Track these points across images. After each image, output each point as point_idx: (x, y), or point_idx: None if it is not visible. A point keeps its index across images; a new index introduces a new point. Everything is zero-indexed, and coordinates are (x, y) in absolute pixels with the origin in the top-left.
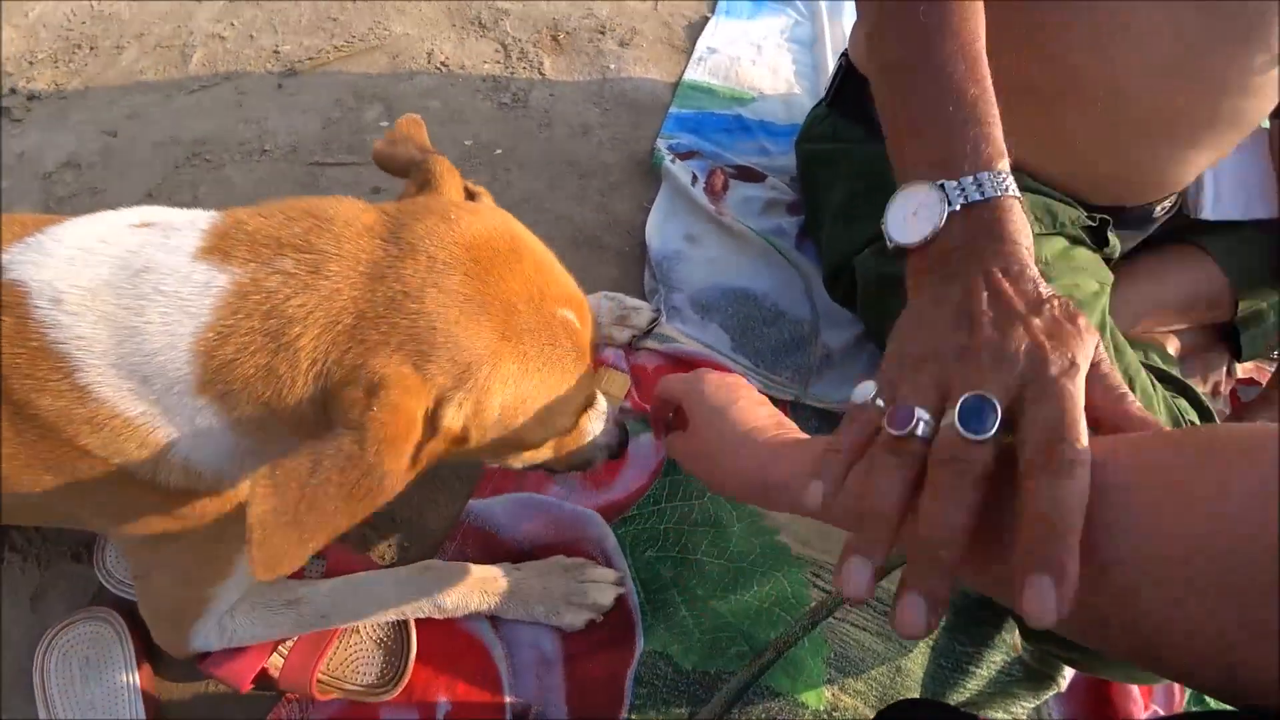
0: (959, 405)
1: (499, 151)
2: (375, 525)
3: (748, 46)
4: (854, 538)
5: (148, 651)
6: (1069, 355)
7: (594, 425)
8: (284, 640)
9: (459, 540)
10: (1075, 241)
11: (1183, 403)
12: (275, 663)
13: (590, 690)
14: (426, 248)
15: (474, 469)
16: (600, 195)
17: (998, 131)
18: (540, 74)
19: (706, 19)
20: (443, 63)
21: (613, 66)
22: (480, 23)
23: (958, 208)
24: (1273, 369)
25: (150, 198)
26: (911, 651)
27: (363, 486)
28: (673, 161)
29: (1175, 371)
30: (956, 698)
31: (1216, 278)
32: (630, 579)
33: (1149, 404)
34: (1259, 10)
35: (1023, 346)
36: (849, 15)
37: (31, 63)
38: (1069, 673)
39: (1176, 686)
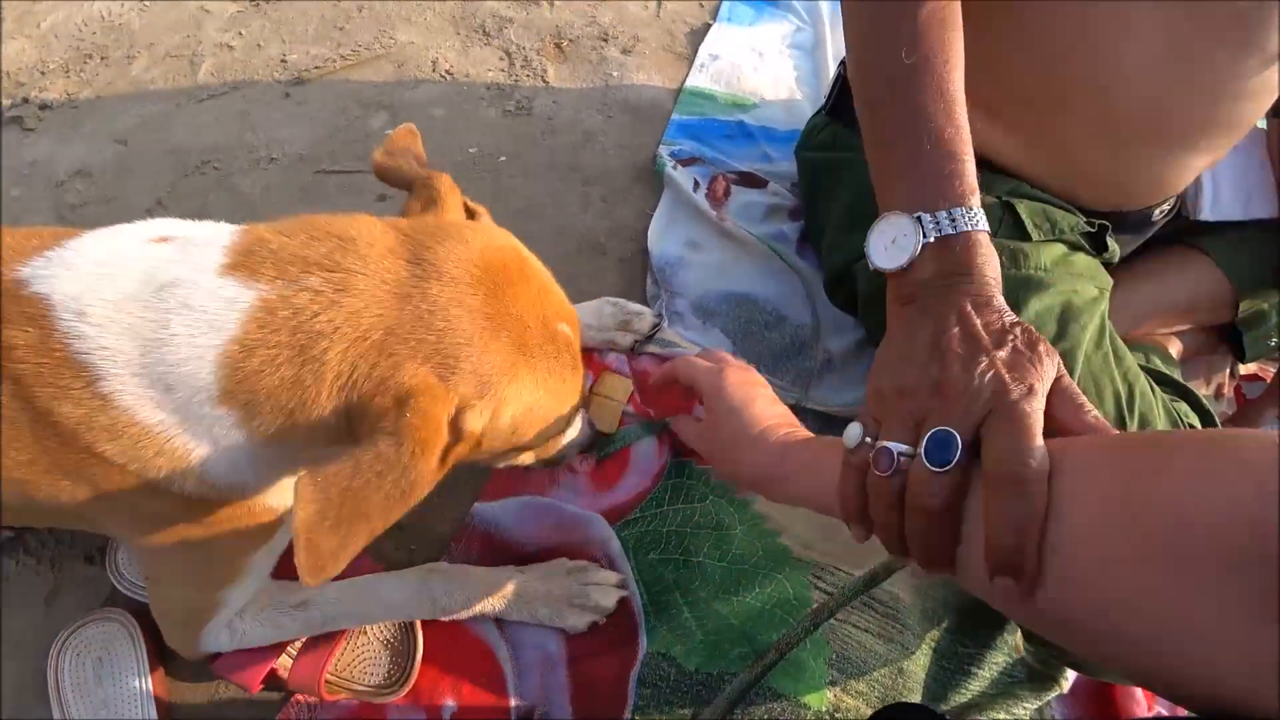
0: (925, 439)
1: (503, 159)
2: None
3: (749, 53)
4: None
5: (159, 652)
6: (1027, 383)
7: (574, 426)
8: (293, 641)
9: (464, 543)
10: (1074, 247)
11: (1183, 406)
12: (284, 663)
13: (594, 691)
14: (449, 269)
15: (480, 473)
16: (603, 201)
17: (971, 168)
18: (544, 81)
19: (709, 25)
20: (447, 71)
21: (615, 74)
22: (484, 31)
23: (932, 239)
24: (1275, 368)
25: (160, 206)
26: (914, 653)
27: (399, 487)
28: (675, 168)
29: (1176, 374)
30: (959, 699)
31: (1217, 279)
32: (633, 581)
33: (1149, 408)
34: (1254, 14)
35: (987, 379)
36: None
37: (44, 73)
38: (1072, 674)
39: None
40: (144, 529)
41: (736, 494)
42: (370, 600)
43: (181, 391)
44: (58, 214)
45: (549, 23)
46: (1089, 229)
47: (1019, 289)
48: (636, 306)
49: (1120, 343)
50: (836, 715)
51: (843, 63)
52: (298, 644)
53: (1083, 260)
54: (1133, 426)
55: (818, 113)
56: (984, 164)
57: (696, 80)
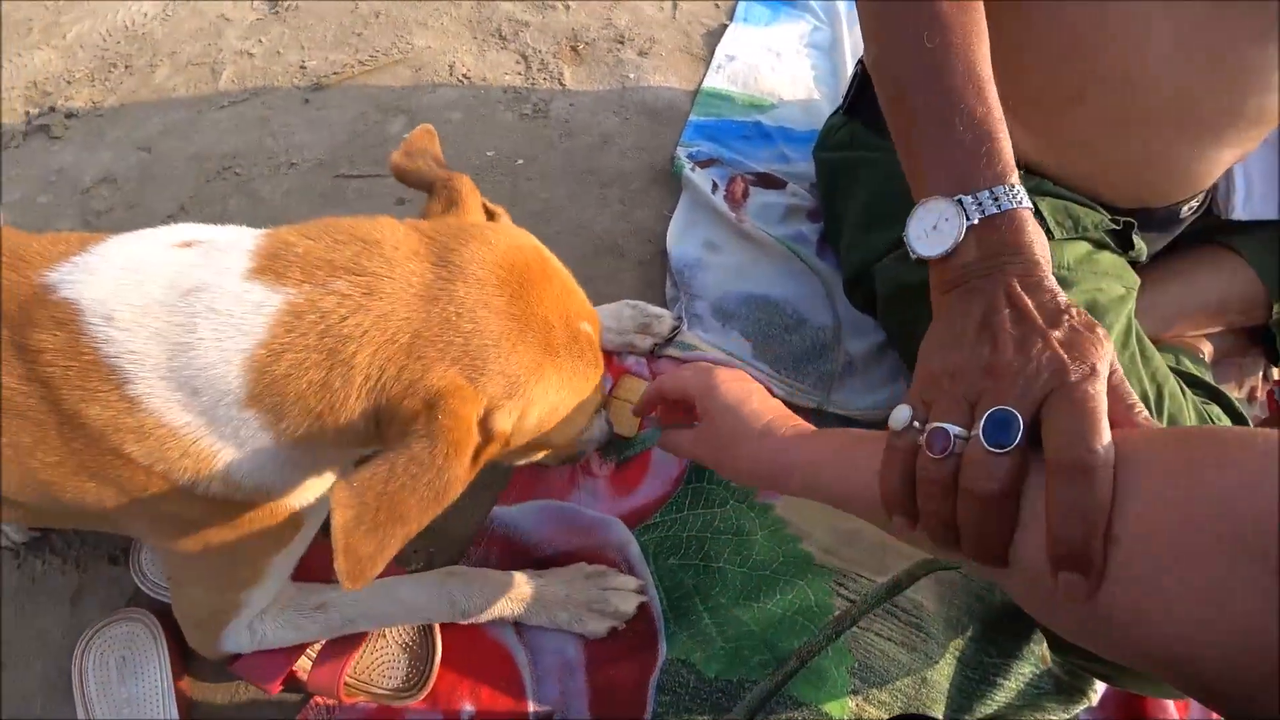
0: (983, 419)
1: (520, 162)
2: None
3: (766, 53)
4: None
5: (181, 652)
6: (1088, 363)
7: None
8: (312, 643)
9: (484, 546)
10: (1098, 245)
11: (1215, 409)
12: (304, 665)
13: (613, 697)
14: (474, 271)
15: (499, 476)
16: (621, 204)
17: (1008, 146)
18: (560, 84)
19: (725, 26)
20: (464, 75)
21: (632, 76)
22: (500, 35)
23: (975, 221)
24: None
25: (183, 211)
26: (938, 662)
27: (433, 489)
28: (693, 170)
29: (1207, 377)
30: (984, 710)
31: (1250, 279)
32: (653, 586)
33: (1179, 410)
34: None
35: (1045, 358)
36: None
37: (69, 82)
38: (1101, 686)
39: None
40: (168, 531)
41: (757, 498)
42: (389, 602)
43: (208, 395)
44: (84, 220)
45: (565, 26)
46: (1114, 226)
47: None
48: (656, 309)
49: (1148, 343)
50: None
51: (860, 61)
52: (317, 646)
53: (1108, 258)
54: None
55: (835, 112)
56: None
57: (713, 81)
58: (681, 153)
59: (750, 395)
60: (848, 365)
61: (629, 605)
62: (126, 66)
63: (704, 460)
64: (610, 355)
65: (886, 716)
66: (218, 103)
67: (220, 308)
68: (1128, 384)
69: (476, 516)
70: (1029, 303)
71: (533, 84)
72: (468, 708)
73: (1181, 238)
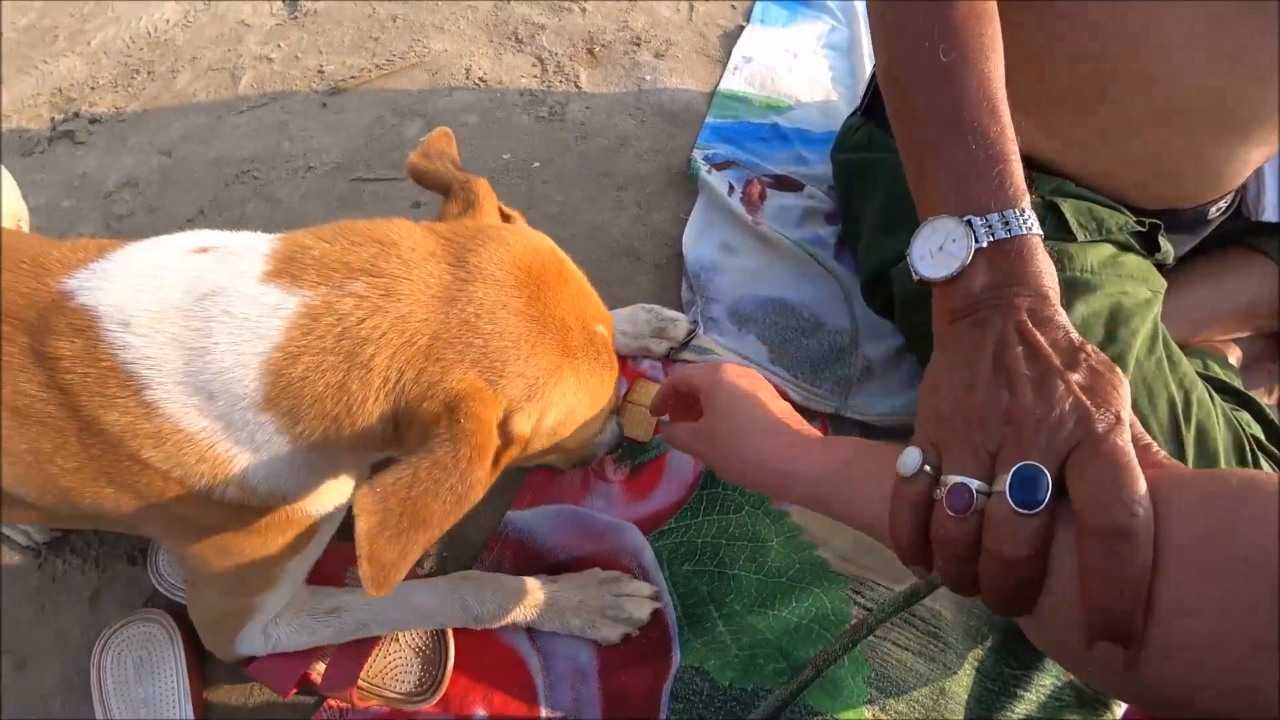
0: (1010, 476)
1: (536, 164)
2: None
3: (784, 54)
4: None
5: (197, 653)
6: (1113, 410)
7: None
8: (326, 647)
9: (497, 551)
10: (1123, 248)
11: (1245, 415)
12: (318, 668)
13: (626, 704)
14: (493, 272)
15: (513, 481)
16: (637, 207)
17: (1019, 169)
18: (576, 87)
19: (742, 27)
20: (481, 78)
21: (648, 78)
22: (517, 38)
23: (985, 244)
24: None
25: (202, 215)
26: (956, 672)
27: (455, 493)
28: (709, 172)
29: (1236, 382)
30: None
31: None
32: (667, 593)
33: (1206, 416)
34: None
35: (1067, 406)
36: None
37: (93, 88)
38: None
39: None
40: (184, 535)
41: (773, 504)
42: (402, 607)
43: (224, 399)
44: (106, 224)
45: (581, 28)
46: (1139, 228)
47: (1065, 292)
48: (672, 313)
49: (1175, 348)
50: None
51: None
52: (331, 649)
53: (1133, 261)
54: (1189, 436)
55: (853, 114)
56: (1024, 162)
57: (730, 83)
58: (698, 155)
59: (756, 392)
60: (865, 369)
61: (643, 611)
62: (149, 72)
63: (702, 456)
64: (625, 359)
65: None
66: (237, 107)
67: (236, 311)
68: (1138, 423)
69: (490, 521)
70: (1041, 339)
71: (549, 87)
72: (480, 713)
73: (1210, 240)
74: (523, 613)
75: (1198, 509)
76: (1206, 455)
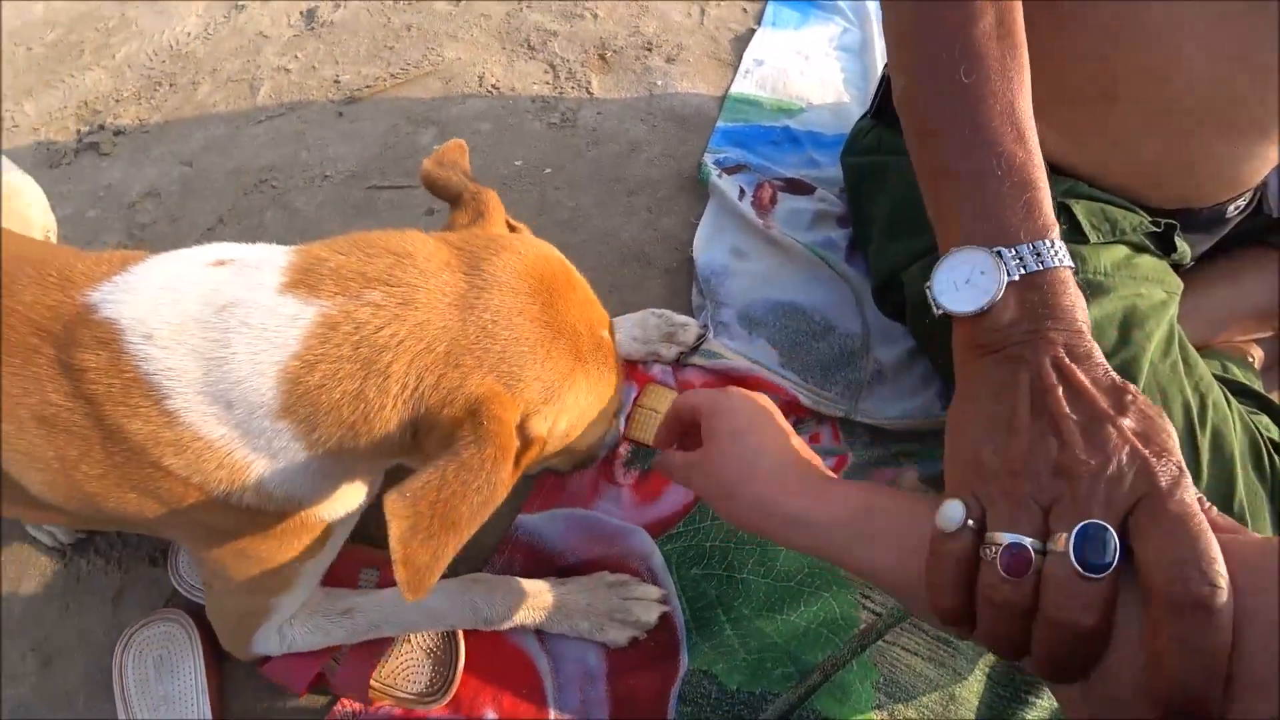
0: (1071, 535)
1: (548, 171)
2: None
3: (795, 57)
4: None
5: (215, 653)
6: (1174, 462)
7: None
8: (340, 647)
9: (507, 554)
10: (1138, 249)
11: (1264, 419)
12: (331, 668)
13: (634, 707)
14: (507, 280)
15: (522, 483)
16: (648, 212)
17: (1048, 198)
18: (588, 93)
19: (753, 31)
20: (493, 86)
21: (660, 83)
22: (529, 45)
23: (1016, 277)
24: None
25: (222, 223)
26: (966, 679)
27: (482, 494)
28: (720, 176)
29: (1257, 385)
30: None
31: None
32: (675, 596)
33: (1222, 421)
34: None
35: (1124, 457)
36: None
37: (118, 100)
38: None
39: None
40: (203, 539)
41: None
42: (413, 609)
43: (242, 407)
44: (129, 233)
45: (593, 34)
46: (1154, 229)
47: None
48: (681, 318)
49: (1192, 350)
50: None
51: (888, 64)
52: (344, 650)
53: (1148, 262)
54: (1204, 441)
55: (863, 116)
56: None
57: (741, 86)
58: (708, 159)
59: (763, 424)
60: (876, 373)
61: (650, 615)
62: (171, 85)
63: (698, 491)
64: (636, 364)
65: None
66: (256, 118)
67: (254, 322)
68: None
69: (500, 524)
70: (1083, 378)
71: (561, 93)
72: (490, 714)
73: (1229, 238)
74: (531, 615)
75: (1270, 573)
76: (1221, 461)
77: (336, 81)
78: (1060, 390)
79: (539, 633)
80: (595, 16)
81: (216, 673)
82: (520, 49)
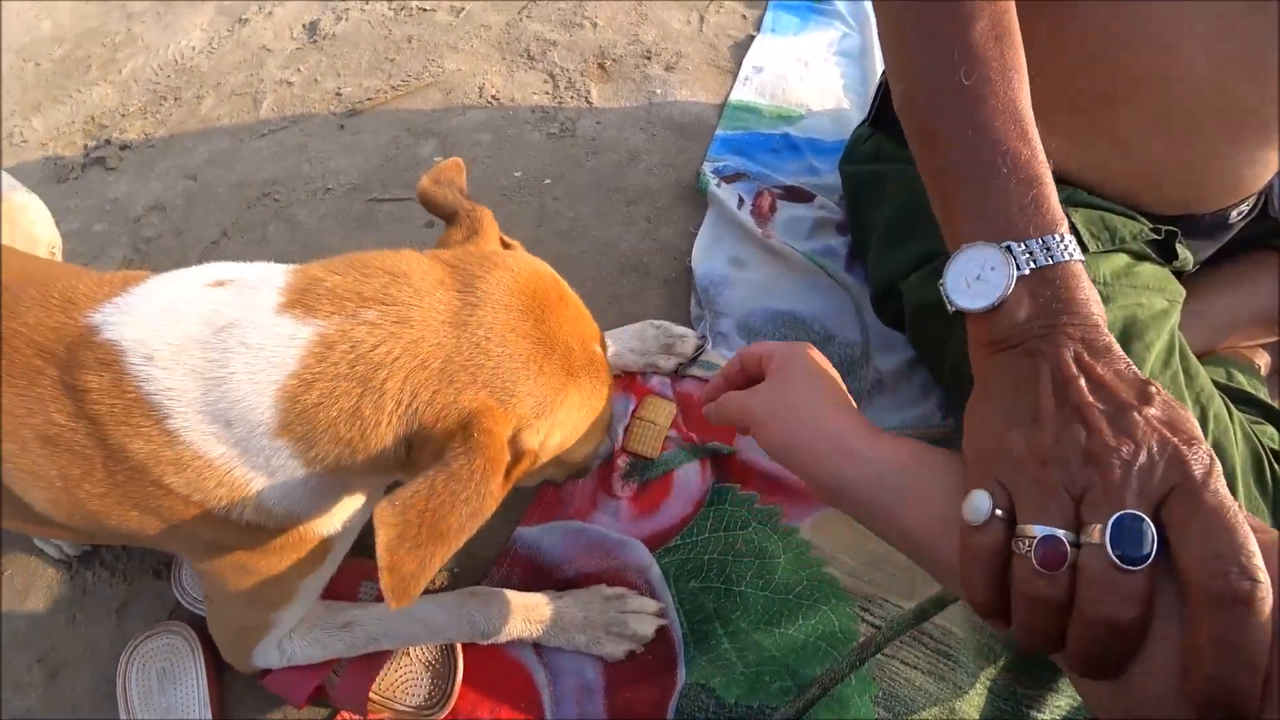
0: (1107, 526)
1: (547, 181)
2: None
3: (795, 63)
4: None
5: (217, 665)
6: (1205, 450)
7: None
8: (339, 660)
9: (506, 567)
10: (1138, 257)
11: (1268, 429)
12: (331, 680)
13: None
14: (500, 297)
15: (521, 497)
16: (647, 221)
17: (1055, 193)
18: (588, 102)
19: (752, 37)
20: (493, 96)
21: (659, 91)
22: (529, 55)
23: (1026, 271)
24: None
25: (225, 237)
26: (967, 692)
27: (471, 505)
28: (718, 185)
29: (1262, 393)
30: None
31: None
32: (673, 610)
33: (1223, 433)
34: None
35: (1154, 444)
36: None
37: (124, 115)
38: None
39: None
40: (203, 555)
41: (782, 520)
42: (410, 622)
43: (241, 426)
44: (135, 247)
45: (592, 43)
46: (1155, 236)
47: None
48: (680, 329)
49: (1193, 359)
50: None
51: (885, 72)
52: (344, 663)
53: (1149, 270)
54: None
55: (861, 124)
56: None
57: (741, 94)
58: (707, 168)
59: (832, 377)
60: (876, 382)
61: (647, 628)
62: (176, 99)
63: (752, 418)
64: (634, 376)
65: None
66: (259, 131)
67: (252, 342)
68: None
69: (499, 537)
70: (1103, 372)
71: (560, 103)
72: None
73: (1233, 243)
74: (528, 628)
75: None
76: (1222, 474)
77: (338, 94)
78: (1082, 381)
79: (537, 646)
80: (595, 25)
81: (218, 684)
82: (520, 59)
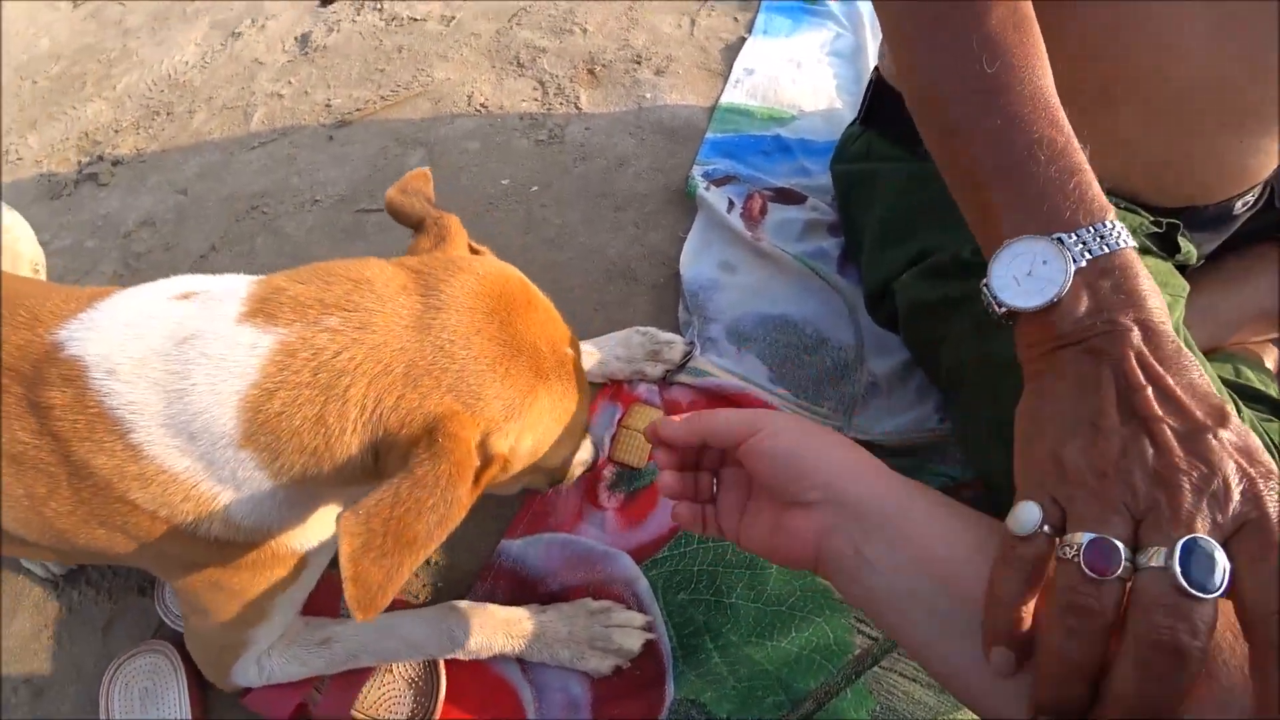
0: (1176, 549)
1: (535, 188)
2: None
3: (786, 64)
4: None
5: (199, 682)
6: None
7: (584, 447)
8: (322, 677)
9: (490, 580)
10: (1140, 251)
11: (1277, 426)
12: (313, 698)
13: None
14: (464, 300)
15: (506, 509)
16: (635, 227)
17: (1095, 180)
18: (577, 108)
19: (744, 40)
20: (482, 104)
21: (649, 95)
22: (519, 62)
23: (1083, 264)
24: None
25: (214, 250)
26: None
27: (438, 512)
28: (708, 189)
29: (1271, 390)
30: None
31: None
32: (662, 623)
33: None
34: None
35: (1230, 473)
36: None
37: (117, 130)
38: None
39: None
40: (175, 571)
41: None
42: (390, 638)
43: (204, 438)
44: (125, 262)
45: (582, 49)
46: (1156, 229)
47: None
48: (667, 335)
49: (1199, 356)
50: None
51: (875, 69)
52: (326, 680)
53: (1150, 265)
54: None
55: (852, 123)
56: None
57: (732, 96)
58: (696, 172)
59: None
60: (871, 386)
61: (633, 642)
62: (168, 113)
63: (761, 426)
64: (621, 384)
65: None
66: (249, 144)
67: (212, 352)
68: None
69: (483, 550)
70: (1172, 382)
71: (549, 109)
72: None
73: (1238, 237)
74: (510, 644)
75: None
76: None
77: (328, 105)
78: (1149, 391)
79: (522, 661)
80: (585, 31)
81: (201, 703)
82: (509, 66)
